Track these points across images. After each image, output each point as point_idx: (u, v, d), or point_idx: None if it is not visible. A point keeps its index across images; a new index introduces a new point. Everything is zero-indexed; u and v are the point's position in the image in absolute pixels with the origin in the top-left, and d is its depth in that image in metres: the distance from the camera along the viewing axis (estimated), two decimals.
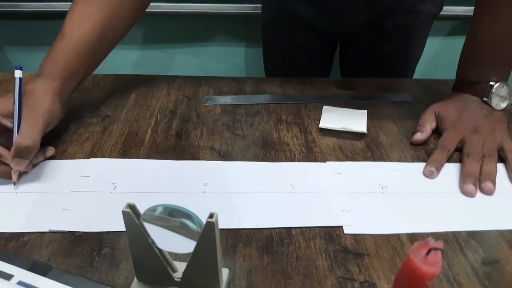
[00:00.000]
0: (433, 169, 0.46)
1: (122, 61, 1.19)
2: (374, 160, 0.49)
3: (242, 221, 0.39)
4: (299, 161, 0.49)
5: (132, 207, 0.29)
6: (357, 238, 0.38)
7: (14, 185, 0.42)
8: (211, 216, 0.28)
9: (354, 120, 0.55)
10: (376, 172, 0.47)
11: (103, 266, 0.35)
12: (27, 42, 1.15)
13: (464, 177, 0.45)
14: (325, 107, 0.58)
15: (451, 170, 0.47)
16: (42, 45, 1.16)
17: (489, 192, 0.44)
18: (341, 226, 0.39)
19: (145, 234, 0.29)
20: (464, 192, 0.44)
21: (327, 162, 0.48)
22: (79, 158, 0.47)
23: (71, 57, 0.48)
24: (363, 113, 0.57)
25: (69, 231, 0.38)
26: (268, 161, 0.48)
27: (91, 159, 0.47)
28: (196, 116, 0.57)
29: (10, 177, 0.42)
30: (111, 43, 0.53)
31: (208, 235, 0.28)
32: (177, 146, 0.50)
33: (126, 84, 0.63)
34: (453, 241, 0.38)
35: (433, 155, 0.48)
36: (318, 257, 0.36)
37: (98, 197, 0.42)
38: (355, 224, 0.39)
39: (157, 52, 1.19)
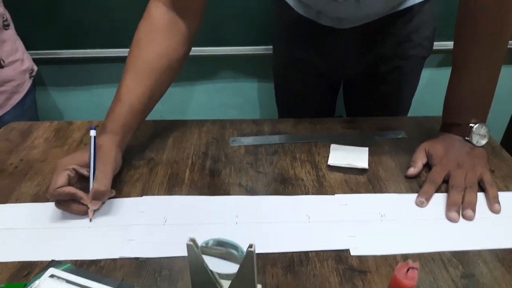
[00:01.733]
0: (423, 199, 0.56)
1: None
2: (375, 192, 0.59)
3: (269, 247, 0.50)
4: (312, 194, 0.59)
5: (193, 240, 0.39)
6: (361, 258, 0.48)
7: (90, 221, 0.53)
8: (250, 246, 0.38)
9: (358, 157, 0.65)
10: (376, 203, 0.57)
11: (164, 284, 0.45)
12: (65, 83, 1.29)
13: (449, 206, 0.55)
14: (332, 146, 0.69)
15: (438, 200, 0.57)
16: (79, 86, 1.31)
17: (469, 219, 0.54)
18: (348, 249, 0.49)
19: (202, 260, 0.40)
20: (449, 218, 0.54)
21: (335, 195, 0.58)
22: (134, 196, 0.58)
23: (128, 116, 0.59)
24: (365, 151, 0.67)
25: (135, 257, 0.49)
26: (286, 195, 0.59)
27: (143, 197, 0.58)
28: (225, 156, 0.68)
29: (86, 215, 0.53)
30: (157, 100, 0.64)
31: (248, 260, 0.39)
32: (211, 184, 0.61)
33: (164, 129, 0.74)
34: (438, 259, 0.48)
35: (424, 188, 0.58)
36: (330, 274, 0.46)
37: (154, 229, 0.52)
38: (360, 247, 0.49)
39: (181, 89, 1.33)
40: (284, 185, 0.61)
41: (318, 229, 0.52)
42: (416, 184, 0.61)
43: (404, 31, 0.81)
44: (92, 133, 0.55)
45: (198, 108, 1.38)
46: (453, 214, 0.54)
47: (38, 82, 1.13)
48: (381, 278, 0.46)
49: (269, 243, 0.50)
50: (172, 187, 0.60)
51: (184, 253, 0.46)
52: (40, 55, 1.15)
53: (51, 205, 0.56)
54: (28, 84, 0.98)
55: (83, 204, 0.53)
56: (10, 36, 0.92)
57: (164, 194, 0.59)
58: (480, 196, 0.58)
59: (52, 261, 0.44)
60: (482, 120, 0.63)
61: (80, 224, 0.53)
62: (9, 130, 0.75)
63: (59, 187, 0.51)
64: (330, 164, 0.64)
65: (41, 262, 0.48)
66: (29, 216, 0.55)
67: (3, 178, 0.63)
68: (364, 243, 0.50)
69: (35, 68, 1.02)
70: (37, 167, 0.65)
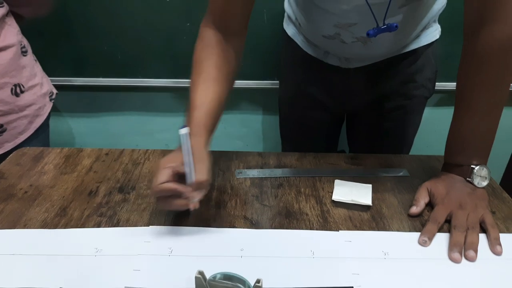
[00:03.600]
0: (426, 238, 0.57)
1: (162, 125, 1.36)
2: (378, 229, 0.60)
3: (273, 282, 0.50)
4: (316, 229, 0.60)
5: (201, 273, 0.40)
6: None
7: (190, 210, 0.57)
8: (258, 281, 0.39)
9: (361, 194, 0.66)
10: (380, 241, 0.57)
11: None
12: (76, 109, 1.33)
13: (451, 246, 0.56)
14: (336, 181, 0.70)
15: (441, 240, 0.58)
16: (89, 112, 1.34)
17: (471, 259, 0.54)
18: (353, 287, 0.50)
19: None
20: (451, 259, 0.54)
21: (339, 231, 0.59)
22: (140, 226, 0.59)
23: (207, 119, 0.61)
24: (369, 187, 0.68)
25: None
26: (291, 229, 0.60)
27: (150, 226, 0.59)
28: (230, 188, 0.69)
29: (187, 208, 0.55)
30: (224, 106, 0.67)
31: None
32: (217, 215, 0.62)
33: None
34: None
35: (426, 227, 0.59)
36: None
37: (159, 260, 0.53)
38: (364, 285, 0.50)
39: None
40: (289, 219, 0.62)
41: (322, 265, 0.53)
42: (419, 223, 0.61)
43: (408, 71, 0.84)
44: (185, 130, 0.56)
45: None
46: (456, 255, 0.54)
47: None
48: None
49: (274, 278, 0.51)
50: (178, 217, 0.61)
51: (190, 285, 0.47)
52: (53, 82, 1.18)
53: (58, 232, 0.57)
54: (49, 107, 1.01)
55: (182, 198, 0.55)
56: (28, 61, 0.95)
57: (170, 224, 0.60)
58: (482, 237, 0.58)
59: None
60: (483, 161, 0.65)
61: (87, 252, 0.54)
62: (21, 155, 0.77)
63: (161, 183, 0.54)
64: (334, 200, 0.65)
65: None
66: (37, 242, 0.55)
67: (13, 203, 0.64)
68: (368, 281, 0.50)
69: (55, 91, 1.05)
70: (46, 193, 0.66)
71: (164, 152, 0.78)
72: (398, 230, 0.60)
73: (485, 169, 0.64)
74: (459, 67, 0.65)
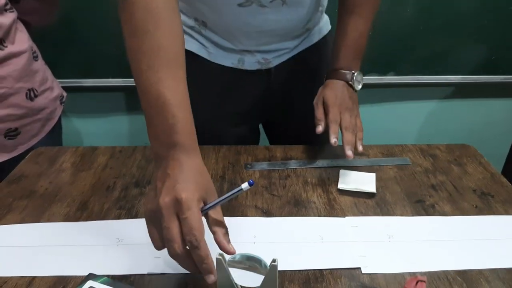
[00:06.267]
0: (335, 139, 0.68)
1: None
2: (383, 215, 0.63)
3: (286, 264, 0.53)
4: (324, 216, 0.63)
5: (222, 255, 0.43)
6: (372, 276, 0.52)
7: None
8: (274, 260, 0.42)
9: (366, 182, 0.70)
10: (385, 225, 0.61)
11: None
12: (86, 110, 1.37)
13: (345, 146, 0.68)
14: (341, 171, 0.73)
15: (441, 223, 0.61)
16: (98, 113, 1.37)
17: (359, 152, 0.70)
18: (360, 268, 0.53)
19: (229, 273, 0.44)
20: (347, 156, 0.67)
21: (346, 217, 0.63)
22: None
23: (191, 121, 0.50)
24: (373, 176, 0.72)
25: (162, 273, 0.52)
26: (300, 216, 0.63)
27: None
28: (241, 180, 0.72)
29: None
30: None
31: (272, 273, 0.43)
32: (229, 205, 0.65)
33: None
34: (444, 278, 0.52)
35: (331, 128, 0.69)
36: None
37: None
38: (370, 266, 0.53)
39: None
40: (297, 207, 0.65)
41: (331, 249, 0.56)
42: (421, 208, 0.65)
43: (320, 64, 0.87)
44: (245, 186, 0.46)
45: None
46: (349, 152, 0.68)
47: None
48: None
49: (286, 261, 0.54)
50: None
51: None
52: (62, 84, 1.22)
53: (81, 224, 0.61)
54: (59, 110, 1.04)
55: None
56: (40, 66, 0.98)
57: None
58: (482, 219, 0.62)
59: (90, 274, 0.47)
60: (359, 67, 0.77)
61: (109, 242, 0.57)
62: (37, 155, 0.80)
63: (208, 260, 0.43)
64: (340, 188, 0.69)
65: (76, 277, 0.52)
66: (61, 234, 0.59)
67: (35, 199, 0.67)
68: (374, 262, 0.54)
69: (65, 94, 1.08)
70: (66, 190, 0.69)
71: None
72: (401, 215, 0.63)
73: (361, 74, 0.77)
74: None
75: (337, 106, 0.72)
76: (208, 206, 0.46)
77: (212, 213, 0.45)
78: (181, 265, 0.45)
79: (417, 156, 0.79)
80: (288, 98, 0.89)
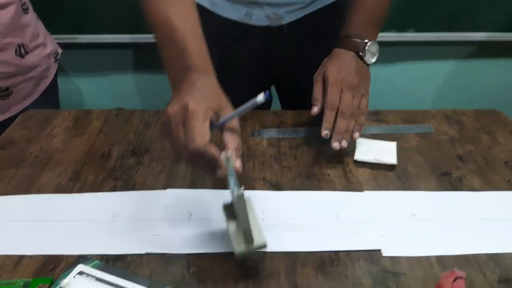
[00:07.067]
0: (327, 131, 0.59)
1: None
2: (405, 189, 0.57)
3: (298, 245, 0.48)
4: (339, 190, 0.57)
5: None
6: (394, 259, 0.47)
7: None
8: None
9: (385, 152, 0.63)
10: (407, 201, 0.55)
11: (193, 282, 0.44)
12: (83, 68, 1.28)
13: (335, 135, 0.59)
14: (358, 139, 0.67)
15: (469, 200, 0.55)
16: (97, 71, 1.29)
17: (343, 147, 0.59)
18: (380, 250, 0.48)
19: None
20: (333, 147, 0.59)
21: (364, 191, 0.57)
22: (157, 189, 0.57)
23: (205, 48, 0.52)
24: (393, 146, 0.65)
25: (161, 253, 0.48)
26: (313, 190, 0.57)
27: (167, 189, 0.57)
28: (247, 149, 0.66)
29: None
30: None
31: (240, 205, 0.42)
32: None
33: None
34: (474, 262, 0.46)
35: (326, 116, 0.60)
36: (362, 276, 0.45)
37: (179, 224, 0.51)
38: (391, 247, 0.48)
39: None
40: (309, 180, 0.59)
41: (347, 228, 0.51)
42: (447, 182, 0.59)
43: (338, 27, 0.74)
44: (260, 99, 0.45)
45: None
46: (337, 144, 0.59)
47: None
48: (415, 281, 0.44)
49: (298, 241, 0.49)
50: (195, 180, 0.59)
51: (211, 249, 0.46)
52: (56, 40, 1.13)
53: (74, 197, 0.56)
54: (54, 68, 0.97)
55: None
56: (31, 20, 0.90)
57: (188, 187, 0.58)
58: (510, 195, 0.56)
59: (80, 257, 0.43)
60: (375, 37, 0.65)
61: (104, 217, 0.52)
62: (27, 119, 0.74)
63: (203, 144, 0.41)
64: (357, 160, 0.62)
65: (67, 256, 0.47)
66: (52, 207, 0.54)
67: (24, 168, 0.62)
68: (396, 244, 0.49)
69: (60, 50, 1.00)
70: (58, 157, 0.64)
71: None
72: (425, 190, 0.57)
73: (376, 45, 0.65)
74: None
75: (338, 84, 0.61)
76: (223, 119, 0.45)
77: (227, 124, 0.45)
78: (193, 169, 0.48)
79: (442, 123, 0.72)
80: (299, 61, 0.79)
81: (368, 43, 0.64)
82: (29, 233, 0.50)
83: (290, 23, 0.74)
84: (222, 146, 0.45)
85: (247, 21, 0.73)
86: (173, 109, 0.43)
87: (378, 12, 0.65)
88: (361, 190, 0.57)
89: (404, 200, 0.55)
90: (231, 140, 0.45)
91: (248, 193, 0.46)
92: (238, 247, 0.43)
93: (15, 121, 0.74)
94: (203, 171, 0.46)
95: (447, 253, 0.47)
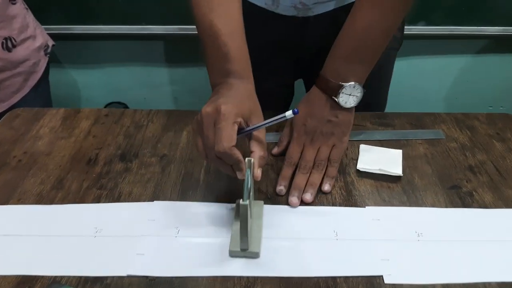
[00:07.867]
0: (282, 187, 0.54)
1: (170, 77, 1.27)
2: (410, 204, 0.53)
3: (292, 270, 0.44)
4: (339, 204, 0.53)
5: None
6: (396, 287, 0.43)
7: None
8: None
9: (390, 162, 0.59)
10: (412, 219, 0.51)
11: None
12: (76, 60, 1.24)
13: (292, 190, 0.53)
14: (362, 147, 0.62)
15: (481, 218, 0.51)
16: (91, 63, 1.25)
17: (306, 201, 0.53)
18: (382, 276, 0.44)
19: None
20: (290, 203, 0.52)
21: (366, 207, 0.53)
22: (144, 200, 0.54)
23: (245, 49, 0.54)
24: (399, 154, 0.60)
25: (144, 275, 0.44)
26: (311, 205, 0.53)
27: (154, 202, 0.53)
28: (242, 154, 0.62)
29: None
30: None
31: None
32: (228, 188, 0.56)
33: (178, 120, 0.68)
34: None
35: (282, 172, 0.56)
36: None
37: (165, 242, 0.48)
38: (394, 273, 0.44)
39: (197, 70, 1.27)
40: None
41: (346, 249, 0.47)
42: (456, 196, 0.54)
43: None
44: (289, 114, 0.46)
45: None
46: (294, 199, 0.52)
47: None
48: None
49: (293, 264, 0.45)
50: (186, 190, 0.55)
51: (198, 272, 0.43)
52: (50, 30, 1.09)
53: (55, 208, 0.52)
54: (44, 62, 0.92)
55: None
56: (19, 10, 0.85)
57: (177, 198, 0.54)
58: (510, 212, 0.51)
59: (54, 281, 0.39)
60: (359, 76, 0.56)
61: (86, 232, 0.49)
62: (14, 117, 0.70)
63: (230, 147, 0.44)
64: (360, 169, 0.58)
65: (42, 277, 0.44)
66: (32, 220, 0.51)
67: (6, 173, 0.58)
68: (399, 269, 0.45)
69: (51, 43, 0.95)
70: (42, 162, 0.60)
71: (169, 113, 0.70)
72: (432, 205, 0.53)
73: (357, 86, 0.55)
74: None
75: (301, 137, 0.57)
76: (249, 128, 0.48)
77: (254, 132, 0.48)
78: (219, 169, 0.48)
79: (452, 128, 0.67)
80: (324, 55, 0.74)
81: (345, 86, 0.55)
82: (4, 250, 0.47)
83: (317, 15, 0.69)
84: (245, 154, 0.47)
85: (274, 9, 0.69)
86: (207, 109, 0.46)
87: (366, 44, 0.55)
88: (362, 204, 0.53)
89: (409, 217, 0.51)
90: (258, 149, 0.47)
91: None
92: (233, 247, 0.46)
93: (0, 121, 0.70)
94: (225, 171, 0.48)
95: (455, 281, 0.43)
